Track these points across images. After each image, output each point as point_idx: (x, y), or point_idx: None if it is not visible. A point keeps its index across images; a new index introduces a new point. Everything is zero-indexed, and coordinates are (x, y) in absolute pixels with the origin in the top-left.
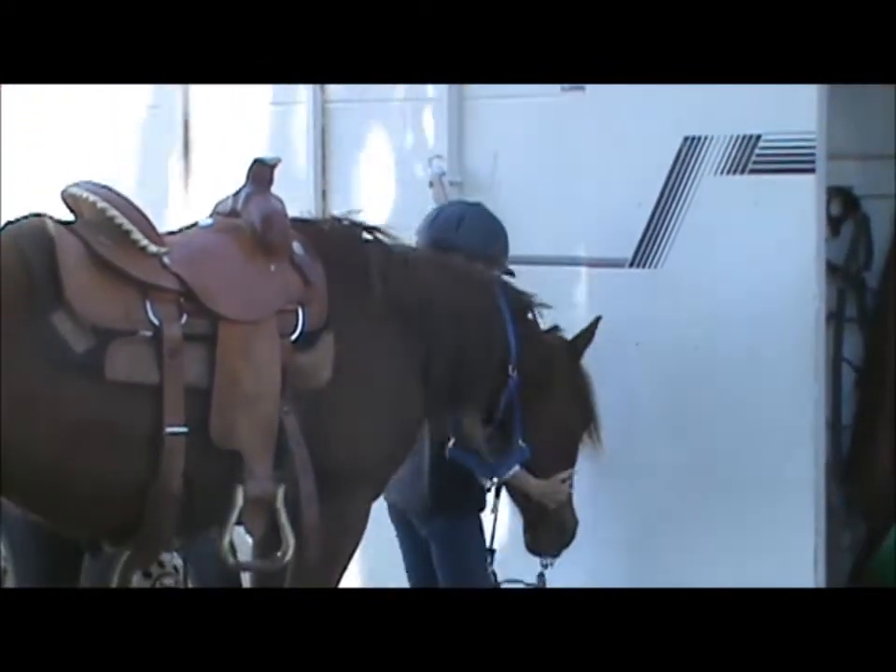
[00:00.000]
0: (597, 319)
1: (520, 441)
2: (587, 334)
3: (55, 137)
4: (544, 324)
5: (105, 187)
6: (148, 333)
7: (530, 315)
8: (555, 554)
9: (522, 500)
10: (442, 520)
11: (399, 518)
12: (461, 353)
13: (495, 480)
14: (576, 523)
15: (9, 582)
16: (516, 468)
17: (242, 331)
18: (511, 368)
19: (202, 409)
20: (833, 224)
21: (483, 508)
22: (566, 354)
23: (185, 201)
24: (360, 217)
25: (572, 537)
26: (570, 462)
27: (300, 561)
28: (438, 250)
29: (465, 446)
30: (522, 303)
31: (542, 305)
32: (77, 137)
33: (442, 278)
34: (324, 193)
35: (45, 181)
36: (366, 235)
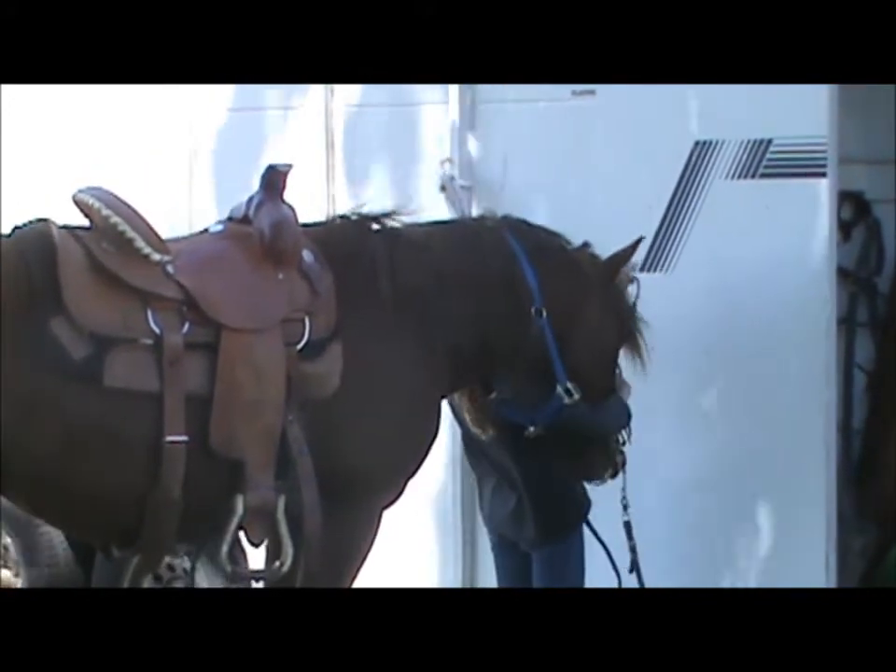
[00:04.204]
0: (639, 239)
1: (558, 389)
2: (626, 252)
3: (58, 138)
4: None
5: (110, 193)
6: (149, 341)
7: (552, 242)
8: (601, 480)
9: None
10: (549, 547)
11: (502, 542)
12: (487, 319)
13: (533, 429)
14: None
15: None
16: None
17: (245, 340)
18: (536, 311)
19: (203, 417)
20: (845, 228)
21: (583, 516)
22: (597, 270)
23: (190, 206)
24: (368, 208)
25: (620, 461)
26: (613, 379)
27: (306, 570)
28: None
29: (508, 399)
30: (534, 240)
31: (555, 234)
32: (81, 139)
33: (452, 249)
34: (333, 198)
35: (45, 183)
36: (374, 226)
